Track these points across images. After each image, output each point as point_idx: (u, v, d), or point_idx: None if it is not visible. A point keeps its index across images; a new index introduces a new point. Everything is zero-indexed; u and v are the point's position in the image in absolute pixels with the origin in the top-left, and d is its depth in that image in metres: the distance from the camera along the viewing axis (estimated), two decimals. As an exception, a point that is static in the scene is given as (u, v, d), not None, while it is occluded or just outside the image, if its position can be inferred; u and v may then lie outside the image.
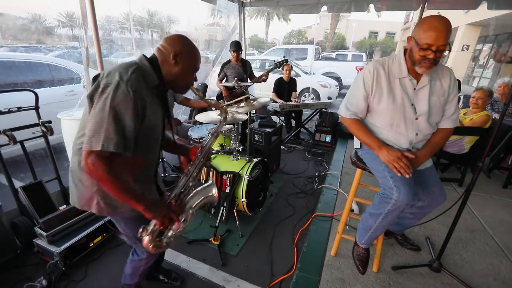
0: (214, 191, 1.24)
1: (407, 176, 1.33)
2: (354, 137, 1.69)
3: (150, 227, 1.07)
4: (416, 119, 1.41)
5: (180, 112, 4.73)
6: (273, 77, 4.58)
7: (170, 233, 1.11)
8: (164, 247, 1.10)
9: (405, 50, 1.39)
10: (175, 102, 2.70)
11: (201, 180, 2.24)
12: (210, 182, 1.26)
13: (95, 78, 1.01)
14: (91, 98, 0.96)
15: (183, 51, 1.08)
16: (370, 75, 1.41)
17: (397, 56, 1.42)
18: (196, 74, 1.19)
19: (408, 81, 1.39)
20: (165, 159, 3.05)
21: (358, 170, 1.73)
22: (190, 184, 1.20)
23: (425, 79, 1.38)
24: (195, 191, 1.22)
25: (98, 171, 0.90)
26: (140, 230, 1.06)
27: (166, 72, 1.10)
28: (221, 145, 2.52)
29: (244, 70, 3.62)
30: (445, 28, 1.20)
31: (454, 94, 1.43)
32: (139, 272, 1.43)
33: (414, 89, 1.40)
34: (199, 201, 1.20)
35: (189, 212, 1.16)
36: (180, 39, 1.10)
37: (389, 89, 1.40)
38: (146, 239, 1.05)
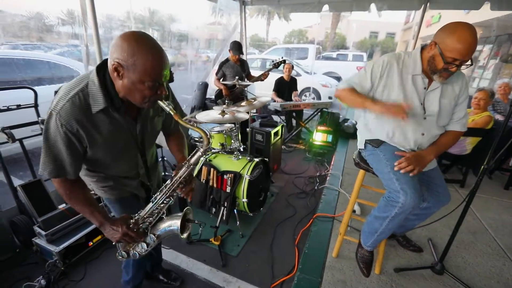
0: (176, 226, 1.09)
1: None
2: (358, 137, 1.67)
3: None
4: (424, 118, 1.39)
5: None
6: (273, 76, 4.55)
7: (136, 249, 1.16)
8: (131, 258, 1.17)
9: (422, 49, 1.36)
10: None
11: (201, 180, 2.22)
12: (179, 214, 1.11)
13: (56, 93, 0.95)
14: None
15: (124, 61, 0.83)
16: (380, 67, 1.37)
17: (413, 53, 1.39)
18: (160, 88, 0.90)
19: (420, 79, 1.36)
20: (165, 158, 3.03)
21: (361, 171, 1.70)
22: (156, 211, 1.11)
23: (437, 82, 1.35)
24: (164, 218, 1.14)
25: (58, 190, 1.00)
26: None
27: (117, 87, 0.91)
28: (222, 145, 2.49)
29: (242, 69, 3.60)
30: (475, 42, 1.16)
31: (464, 97, 1.40)
32: (130, 266, 1.44)
33: (425, 88, 1.37)
34: (162, 231, 1.12)
35: (152, 238, 1.11)
36: (121, 43, 0.82)
37: (400, 84, 1.36)
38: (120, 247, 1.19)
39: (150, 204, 1.09)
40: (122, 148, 1.05)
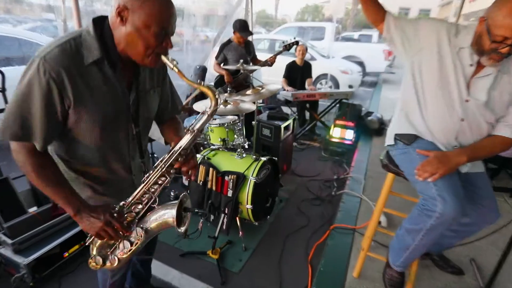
0: (171, 215, 1.00)
1: None
2: (387, 133, 1.63)
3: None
4: (467, 101, 1.33)
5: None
6: (284, 60, 4.51)
7: (116, 252, 1.03)
8: (108, 266, 1.04)
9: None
10: None
11: (198, 181, 2.18)
12: (174, 202, 1.03)
13: None
14: None
15: (130, 3, 0.86)
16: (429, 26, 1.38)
17: (470, 25, 1.33)
18: (166, 39, 0.93)
19: (467, 53, 1.30)
20: (155, 155, 3.00)
21: (390, 175, 1.65)
22: (146, 196, 1.02)
23: (490, 68, 1.28)
24: (155, 207, 1.05)
25: (23, 165, 0.92)
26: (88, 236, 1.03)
27: (117, 38, 0.93)
28: (224, 140, 2.47)
29: (247, 51, 3.56)
30: None
31: None
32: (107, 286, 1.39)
33: (471, 65, 1.30)
34: (152, 223, 1.03)
35: (139, 233, 1.01)
36: None
37: (447, 52, 1.33)
38: (94, 249, 1.04)
39: (141, 186, 1.01)
40: (112, 116, 0.99)
